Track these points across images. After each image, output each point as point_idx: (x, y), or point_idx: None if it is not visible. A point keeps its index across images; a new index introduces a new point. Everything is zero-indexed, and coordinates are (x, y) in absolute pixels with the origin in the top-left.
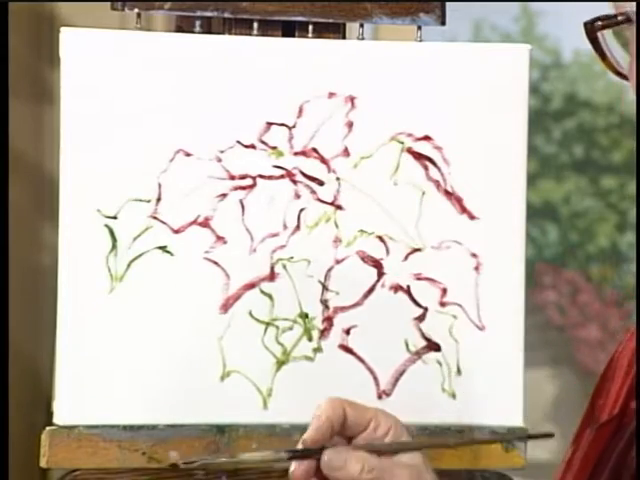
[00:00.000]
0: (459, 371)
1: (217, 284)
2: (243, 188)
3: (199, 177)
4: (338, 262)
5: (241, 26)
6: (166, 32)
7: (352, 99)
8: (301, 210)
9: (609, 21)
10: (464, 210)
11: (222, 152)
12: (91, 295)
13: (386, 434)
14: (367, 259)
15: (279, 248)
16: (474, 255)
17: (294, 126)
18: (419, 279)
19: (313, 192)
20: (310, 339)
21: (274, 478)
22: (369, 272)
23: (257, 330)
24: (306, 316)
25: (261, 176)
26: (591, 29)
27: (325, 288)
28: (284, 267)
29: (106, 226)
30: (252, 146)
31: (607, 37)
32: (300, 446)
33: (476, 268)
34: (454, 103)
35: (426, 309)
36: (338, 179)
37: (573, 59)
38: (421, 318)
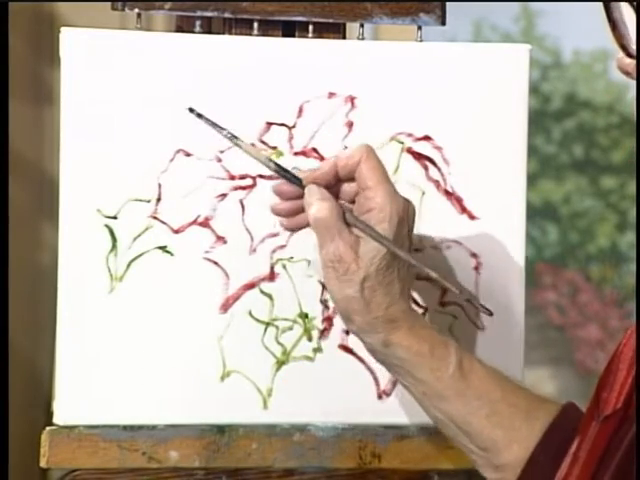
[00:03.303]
0: None
1: (217, 284)
2: (243, 188)
3: (199, 177)
4: None
5: (241, 26)
6: (166, 32)
7: (352, 99)
8: None
9: None
10: (464, 210)
11: (222, 152)
12: (91, 295)
13: (369, 211)
14: None
15: (279, 248)
16: (474, 255)
17: (294, 126)
18: (419, 279)
19: None
20: (310, 339)
21: (274, 478)
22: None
23: (257, 330)
24: (306, 316)
25: (261, 176)
26: None
27: (325, 288)
28: (284, 267)
29: (106, 226)
30: (252, 146)
31: (623, 8)
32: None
33: (476, 268)
34: (454, 103)
35: (426, 309)
36: None
37: (573, 59)
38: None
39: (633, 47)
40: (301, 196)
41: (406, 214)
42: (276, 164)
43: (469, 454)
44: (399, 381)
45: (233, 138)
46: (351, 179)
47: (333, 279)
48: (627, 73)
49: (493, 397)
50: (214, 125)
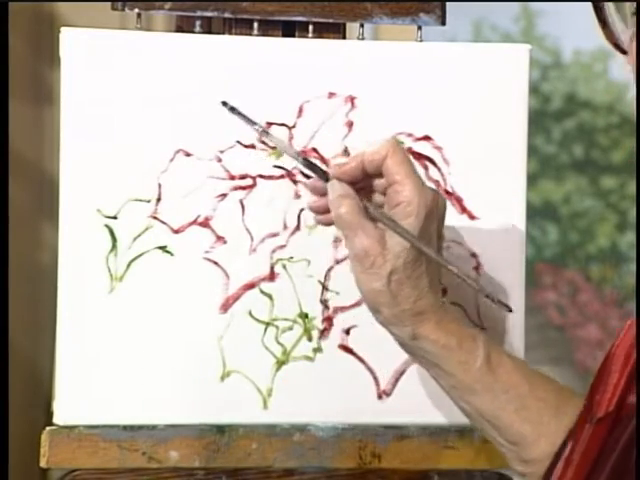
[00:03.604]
0: None
1: (217, 284)
2: (243, 188)
3: (199, 177)
4: (338, 262)
5: (241, 26)
6: (166, 32)
7: (352, 99)
8: (301, 210)
9: None
10: (464, 210)
11: (222, 152)
12: (91, 295)
13: (397, 205)
14: None
15: (279, 248)
16: (474, 255)
17: (294, 126)
18: None
19: None
20: (310, 339)
21: (274, 478)
22: None
23: (257, 330)
24: (306, 316)
25: (261, 176)
26: None
27: (325, 288)
28: (284, 267)
29: (106, 226)
30: (252, 146)
31: (611, 6)
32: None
33: (476, 268)
34: (454, 103)
35: None
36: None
37: (573, 59)
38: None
39: (624, 41)
40: None
41: (435, 207)
42: (305, 158)
43: (498, 447)
44: (428, 372)
45: (264, 133)
46: (379, 174)
47: (360, 272)
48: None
49: (521, 391)
50: (246, 119)
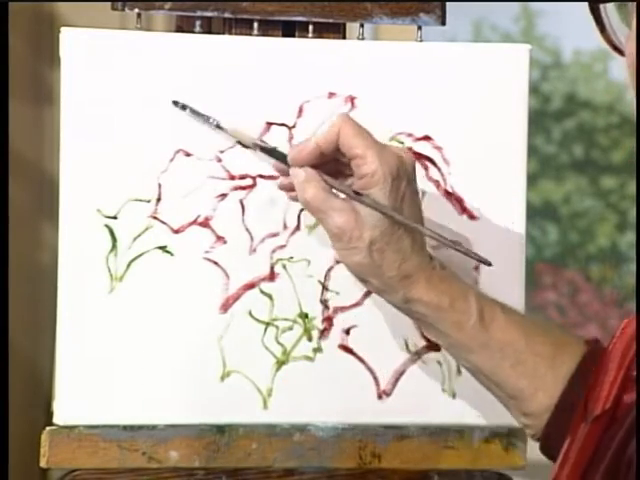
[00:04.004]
0: (459, 371)
1: (217, 284)
2: (243, 188)
3: (199, 177)
4: (338, 262)
5: (241, 26)
6: (166, 32)
7: (352, 99)
8: (301, 210)
9: None
10: (464, 210)
11: (222, 152)
12: (91, 295)
13: (362, 177)
14: None
15: (279, 248)
16: None
17: (294, 126)
18: None
19: None
20: (310, 339)
21: (274, 478)
22: None
23: (257, 330)
24: (306, 316)
25: (261, 176)
26: None
27: (325, 288)
28: (284, 267)
29: (106, 226)
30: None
31: (609, 10)
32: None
33: (476, 268)
34: (454, 103)
35: None
36: None
37: (573, 59)
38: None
39: (621, 43)
40: None
41: (401, 168)
42: (262, 147)
43: (500, 401)
44: (426, 333)
45: (218, 127)
46: (339, 151)
47: (340, 249)
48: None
49: (517, 346)
50: (198, 115)
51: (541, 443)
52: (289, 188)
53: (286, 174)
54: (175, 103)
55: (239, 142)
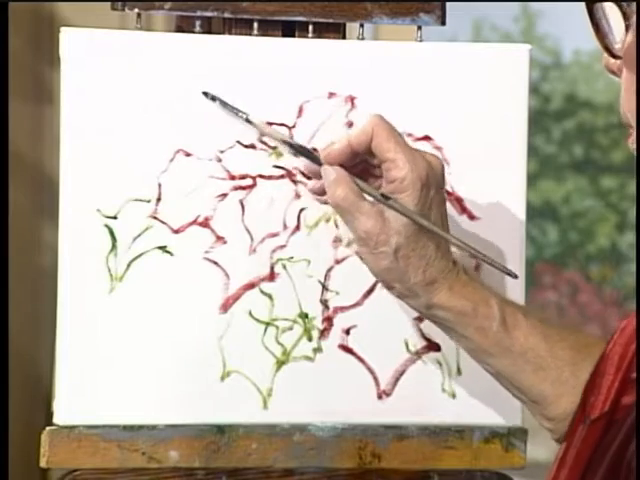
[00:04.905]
0: (459, 371)
1: (217, 284)
2: (243, 188)
3: (199, 177)
4: (338, 262)
5: (241, 26)
6: (166, 32)
7: (352, 99)
8: (301, 210)
9: None
10: (464, 210)
11: (222, 152)
12: (91, 295)
13: (392, 182)
14: None
15: (279, 248)
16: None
17: (294, 126)
18: None
19: None
20: (310, 339)
21: (274, 478)
22: (369, 272)
23: (257, 330)
24: (306, 316)
25: (261, 176)
26: None
27: (325, 288)
28: (284, 267)
29: (106, 226)
30: (252, 146)
31: (605, 10)
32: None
33: (476, 268)
34: (454, 103)
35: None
36: None
37: (573, 59)
38: (421, 318)
39: (616, 46)
40: None
41: (431, 173)
42: (295, 145)
43: (524, 404)
44: (448, 336)
45: (248, 121)
46: (371, 152)
47: (366, 254)
48: (613, 72)
49: (539, 352)
50: (230, 107)
51: None
52: (320, 192)
53: (316, 175)
54: (205, 94)
55: (270, 137)
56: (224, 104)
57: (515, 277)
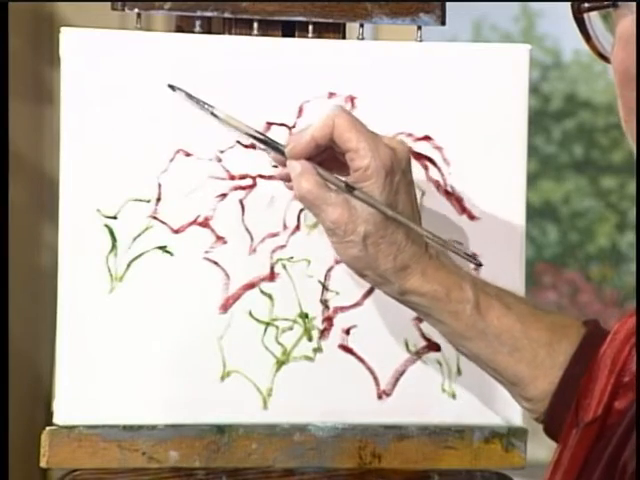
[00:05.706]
0: (459, 371)
1: (217, 284)
2: (243, 188)
3: (199, 177)
4: (338, 262)
5: (241, 26)
6: (166, 32)
7: (352, 99)
8: (301, 210)
9: (596, 3)
10: (464, 210)
11: (222, 152)
12: (91, 295)
13: (356, 171)
14: None
15: (279, 248)
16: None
17: (294, 126)
18: None
19: None
20: (310, 339)
21: (274, 478)
22: None
23: (257, 330)
24: (306, 316)
25: (261, 176)
26: (578, 10)
27: (325, 288)
28: (284, 267)
29: (106, 226)
30: (252, 146)
31: (593, 19)
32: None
33: (476, 268)
34: (454, 103)
35: None
36: None
37: (573, 59)
38: (421, 318)
39: (607, 52)
40: None
41: (395, 161)
42: (259, 137)
43: (502, 386)
44: (425, 321)
45: (213, 114)
46: (335, 143)
47: (336, 243)
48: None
49: (514, 334)
50: (195, 99)
51: (544, 426)
52: (287, 178)
53: (283, 164)
54: (171, 87)
55: (237, 130)
56: (189, 96)
57: (479, 265)
